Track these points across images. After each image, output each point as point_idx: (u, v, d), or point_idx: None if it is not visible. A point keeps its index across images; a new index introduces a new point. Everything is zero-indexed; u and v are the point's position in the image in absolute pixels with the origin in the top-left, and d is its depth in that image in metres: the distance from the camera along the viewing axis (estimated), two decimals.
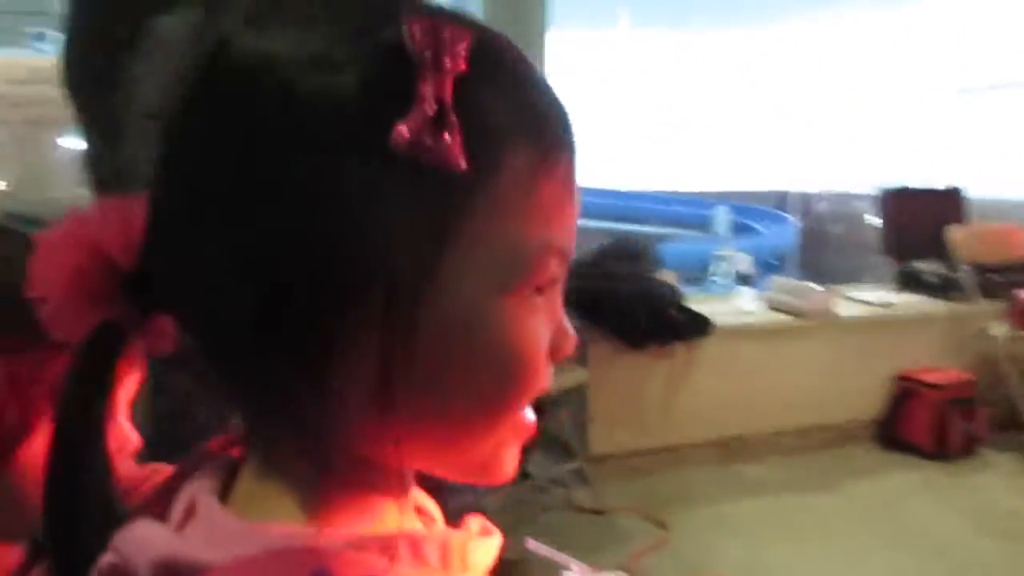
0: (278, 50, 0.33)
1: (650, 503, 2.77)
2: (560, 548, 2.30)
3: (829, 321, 3.34)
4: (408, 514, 0.41)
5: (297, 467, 0.36)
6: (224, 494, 0.37)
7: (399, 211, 0.32)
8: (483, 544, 0.41)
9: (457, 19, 0.34)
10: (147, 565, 0.34)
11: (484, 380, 0.36)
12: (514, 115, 0.35)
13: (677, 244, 5.47)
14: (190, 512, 0.36)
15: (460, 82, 0.33)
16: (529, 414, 0.40)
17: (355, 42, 0.33)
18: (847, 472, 3.13)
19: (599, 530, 2.66)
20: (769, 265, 5.41)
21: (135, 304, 0.37)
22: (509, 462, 0.40)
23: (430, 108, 0.32)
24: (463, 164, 0.32)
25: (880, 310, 3.48)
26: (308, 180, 0.32)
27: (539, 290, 0.37)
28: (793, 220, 7.03)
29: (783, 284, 3.50)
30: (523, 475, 2.96)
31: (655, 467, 3.00)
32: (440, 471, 0.39)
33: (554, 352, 0.39)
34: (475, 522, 0.43)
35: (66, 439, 0.36)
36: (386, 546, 0.35)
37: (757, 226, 7.12)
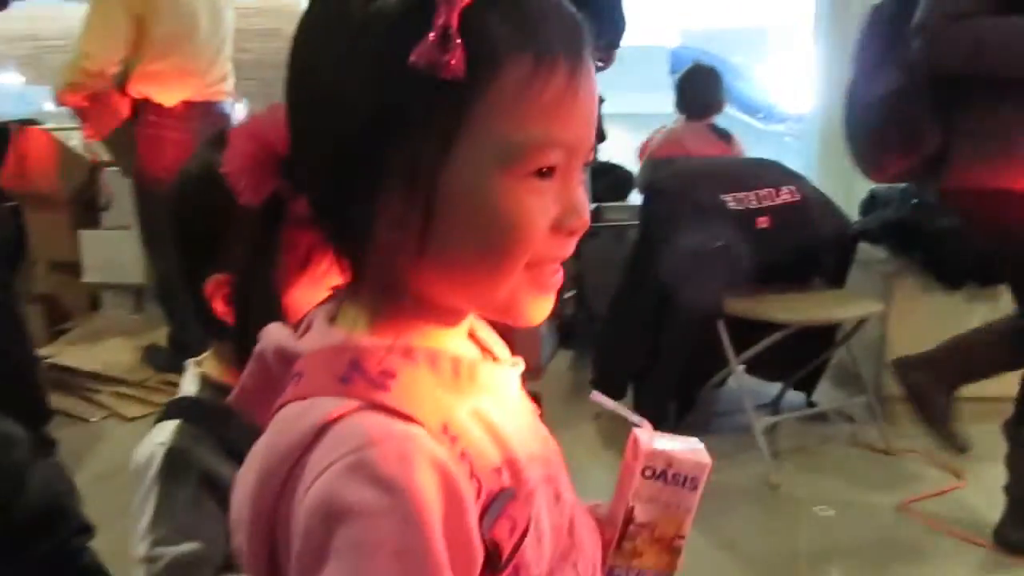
0: None
1: (945, 451, 2.59)
2: (841, 482, 2.32)
3: None
4: (455, 341, 0.54)
5: (367, 297, 0.52)
6: (332, 319, 0.54)
7: (421, 104, 0.45)
8: (495, 368, 0.54)
9: None
10: (271, 350, 0.52)
11: (485, 237, 0.48)
12: (512, 32, 0.45)
13: None
14: (308, 326, 0.54)
15: (466, 9, 0.44)
16: (554, 272, 0.51)
17: None
18: None
19: (884, 470, 2.54)
20: None
21: (289, 181, 0.53)
22: (531, 309, 0.51)
23: (438, 34, 0.43)
24: (462, 75, 0.44)
25: None
26: (364, 78, 0.46)
27: (541, 173, 0.48)
28: None
29: None
30: (808, 403, 2.91)
31: (960, 416, 2.76)
32: (472, 308, 0.53)
33: (558, 226, 0.49)
34: (505, 353, 0.57)
35: (249, 265, 0.58)
36: (409, 353, 0.49)
37: None
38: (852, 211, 3.13)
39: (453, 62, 0.44)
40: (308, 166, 0.51)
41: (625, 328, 2.80)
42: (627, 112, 6.14)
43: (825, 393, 2.97)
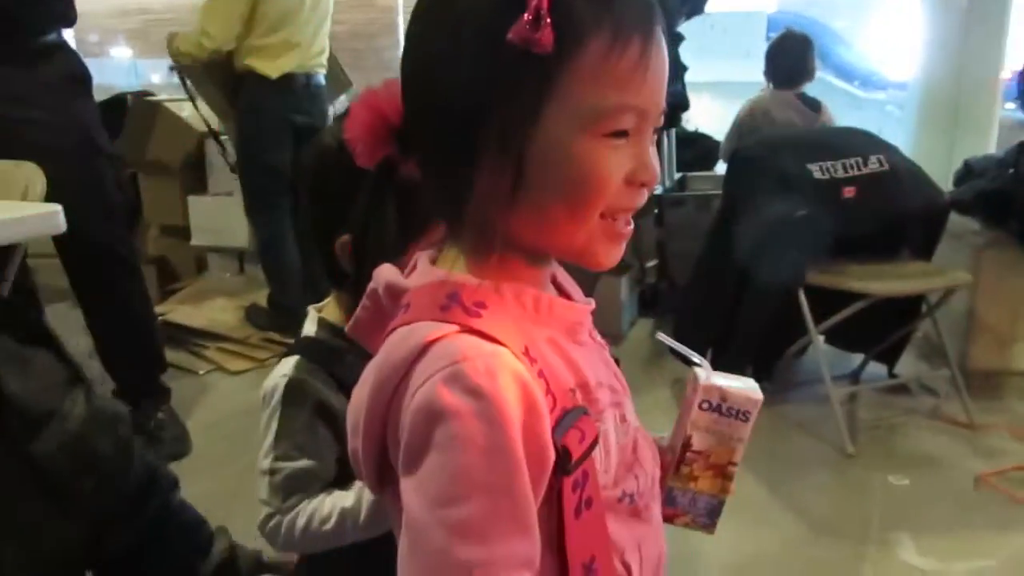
0: None
1: None
2: (919, 453, 2.34)
3: None
4: (539, 281, 0.63)
5: (465, 242, 0.61)
6: (434, 261, 0.63)
7: (516, 76, 0.54)
8: (568, 306, 0.63)
9: None
10: (383, 287, 0.62)
11: (568, 189, 0.56)
12: (593, 12, 0.54)
13: None
14: (413, 267, 0.64)
15: None
16: (627, 223, 0.60)
17: None
18: None
19: (965, 443, 2.53)
20: None
21: (400, 146, 0.63)
22: (605, 254, 0.60)
23: (532, 15, 0.52)
24: (551, 50, 0.52)
25: None
26: (469, 55, 0.55)
27: (616, 134, 0.56)
28: None
29: None
30: (890, 376, 2.90)
31: None
32: (554, 251, 0.62)
33: (631, 179, 0.58)
34: (580, 295, 0.67)
35: (366, 216, 0.69)
36: (498, 289, 0.58)
37: None
38: (948, 182, 3.07)
39: (544, 39, 0.52)
40: (421, 132, 0.61)
41: (705, 296, 2.84)
42: (721, 80, 6.05)
43: (908, 366, 2.94)
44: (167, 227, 3.97)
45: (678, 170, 4.02)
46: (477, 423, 0.52)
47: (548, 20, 0.52)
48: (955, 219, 2.83)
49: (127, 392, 2.40)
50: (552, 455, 0.55)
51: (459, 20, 0.55)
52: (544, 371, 0.56)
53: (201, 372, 3.14)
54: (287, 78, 3.03)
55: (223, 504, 1.64)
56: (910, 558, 1.97)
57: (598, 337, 0.68)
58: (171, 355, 2.94)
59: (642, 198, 0.59)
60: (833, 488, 2.31)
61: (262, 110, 3.06)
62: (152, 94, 4.09)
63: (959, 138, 3.73)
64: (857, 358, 2.95)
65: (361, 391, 0.60)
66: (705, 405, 0.73)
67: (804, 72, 3.42)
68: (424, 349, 0.55)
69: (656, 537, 0.67)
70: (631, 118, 0.56)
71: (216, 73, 3.10)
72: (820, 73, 3.60)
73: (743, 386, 0.75)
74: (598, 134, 0.56)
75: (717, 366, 0.76)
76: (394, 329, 0.59)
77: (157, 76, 5.29)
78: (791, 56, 3.43)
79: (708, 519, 0.77)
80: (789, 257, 2.60)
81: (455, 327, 0.56)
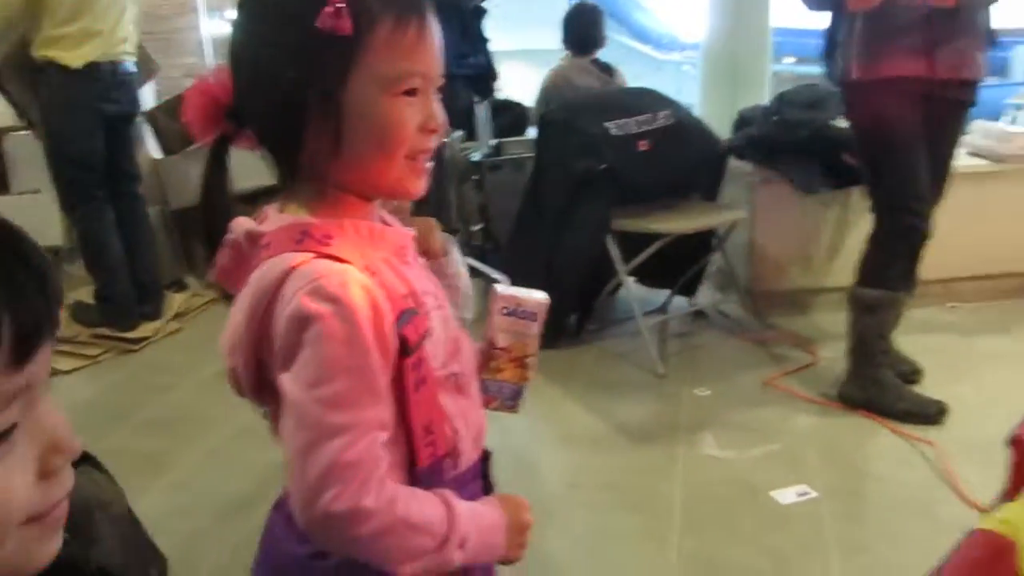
0: None
1: (806, 335, 3.00)
2: (717, 367, 2.72)
3: None
4: (369, 216, 0.79)
5: (304, 191, 0.77)
6: (281, 210, 0.79)
7: (324, 55, 0.71)
8: (395, 231, 0.81)
9: None
10: (242, 235, 0.77)
11: (377, 138, 0.74)
12: (381, 2, 0.71)
13: None
14: (264, 217, 0.79)
15: None
16: (426, 161, 0.77)
17: None
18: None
19: (754, 355, 2.93)
20: None
21: (233, 123, 0.78)
22: (412, 187, 0.78)
23: (332, 7, 0.69)
24: (351, 31, 0.70)
25: None
26: (285, 41, 0.71)
27: (408, 93, 0.74)
28: None
29: (984, 128, 3.37)
30: (691, 304, 3.27)
31: (818, 305, 3.17)
32: (374, 188, 0.78)
33: (424, 127, 0.75)
34: (402, 227, 0.83)
35: (208, 184, 0.81)
36: (340, 223, 0.75)
37: None
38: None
39: (344, 25, 0.70)
40: (254, 107, 0.76)
41: (526, 250, 3.09)
42: (528, 48, 6.31)
43: (707, 295, 3.34)
44: None
45: (493, 136, 4.24)
46: (336, 322, 0.69)
47: (346, 9, 0.69)
48: (734, 163, 3.23)
49: None
50: (395, 342, 0.73)
51: (275, 12, 0.72)
52: (383, 282, 0.74)
53: None
54: (92, 67, 2.97)
55: None
56: (713, 452, 2.31)
57: (420, 259, 0.86)
58: None
59: (434, 141, 0.77)
60: (648, 404, 2.64)
61: (67, 101, 2.99)
62: None
63: (739, 92, 4.17)
64: (664, 293, 3.31)
65: (236, 315, 0.75)
66: (505, 310, 0.93)
67: (597, 40, 3.74)
68: (289, 272, 0.71)
69: (477, 410, 0.87)
70: (418, 80, 0.74)
71: (13, 66, 2.98)
72: (620, 37, 3.91)
73: (531, 296, 0.95)
74: (395, 93, 0.73)
75: None
76: (259, 264, 0.74)
77: None
78: (584, 26, 3.74)
79: (513, 401, 0.96)
80: (596, 207, 2.90)
81: (311, 254, 0.72)
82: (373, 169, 0.76)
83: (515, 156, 3.91)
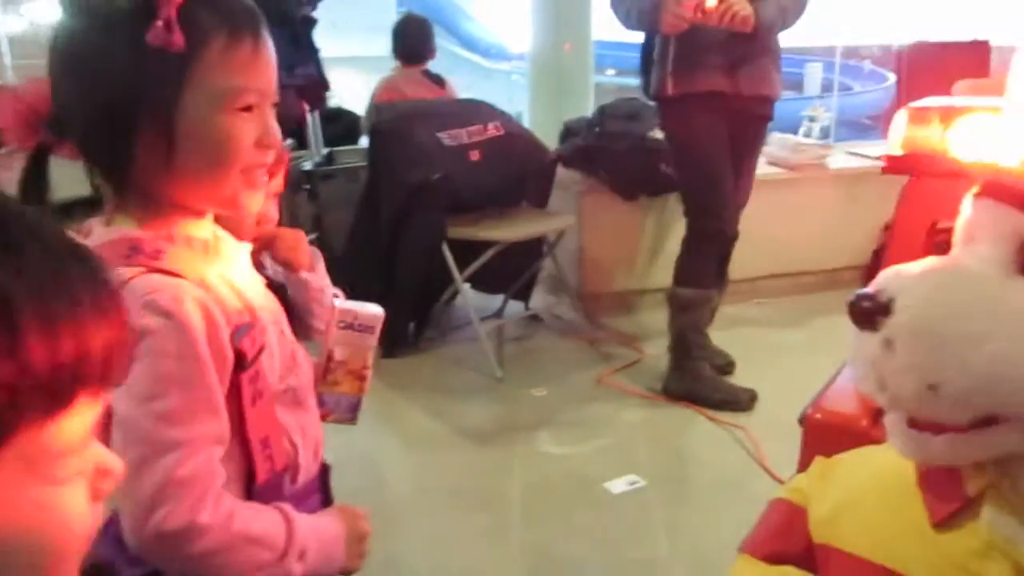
0: None
1: (633, 334, 3.18)
2: (553, 368, 2.84)
3: (821, 175, 3.58)
4: (202, 230, 0.79)
5: (133, 204, 0.76)
6: (108, 223, 0.77)
7: (155, 70, 0.70)
8: (235, 245, 0.81)
9: None
10: None
11: (212, 153, 0.74)
12: (212, 17, 0.72)
13: None
14: (88, 231, 0.77)
15: (183, 5, 0.69)
16: (262, 175, 0.78)
17: None
18: (826, 312, 3.43)
19: (586, 354, 3.08)
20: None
21: (53, 132, 0.75)
22: (246, 203, 0.78)
23: (164, 22, 0.68)
24: (183, 47, 0.69)
25: (875, 163, 3.67)
26: (116, 55, 0.70)
27: (245, 109, 0.74)
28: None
29: (781, 140, 3.71)
30: (526, 308, 3.39)
31: (643, 305, 3.38)
32: (207, 204, 0.78)
33: (260, 142, 0.76)
34: (236, 241, 0.83)
35: (25, 195, 0.76)
36: (170, 238, 0.75)
37: (855, 84, 6.87)
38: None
39: (176, 41, 0.69)
40: (79, 120, 0.73)
41: (362, 260, 3.08)
42: (357, 55, 6.26)
43: (540, 299, 3.47)
44: None
45: (325, 145, 4.19)
46: (169, 335, 0.70)
47: (177, 24, 0.69)
48: (562, 172, 3.38)
49: None
50: (231, 356, 0.74)
51: (104, 24, 0.70)
52: (217, 297, 0.75)
53: None
54: None
55: None
56: (549, 448, 2.42)
57: (256, 272, 0.87)
58: None
59: (270, 157, 0.78)
60: (488, 406, 2.72)
61: None
62: None
63: (564, 102, 4.34)
64: (499, 299, 3.40)
65: None
66: (342, 324, 0.95)
67: (426, 51, 3.79)
68: (120, 287, 0.70)
69: (315, 424, 0.89)
70: (253, 96, 0.75)
71: None
72: (450, 46, 3.97)
73: (367, 309, 0.98)
74: (230, 109, 0.73)
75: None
76: None
77: None
78: (413, 38, 3.78)
79: (351, 414, 0.99)
80: (430, 216, 2.94)
81: (142, 269, 0.72)
82: (207, 184, 0.76)
83: (348, 165, 3.88)
